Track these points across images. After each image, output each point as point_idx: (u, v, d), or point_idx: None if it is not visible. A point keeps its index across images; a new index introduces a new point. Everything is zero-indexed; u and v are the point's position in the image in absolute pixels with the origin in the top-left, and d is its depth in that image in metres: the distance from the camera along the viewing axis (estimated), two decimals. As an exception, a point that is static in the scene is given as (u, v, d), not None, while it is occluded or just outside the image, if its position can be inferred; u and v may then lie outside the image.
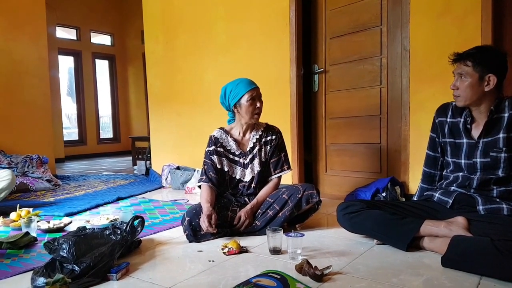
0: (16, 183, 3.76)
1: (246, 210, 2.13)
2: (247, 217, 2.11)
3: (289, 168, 2.31)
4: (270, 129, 2.32)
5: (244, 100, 2.16)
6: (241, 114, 2.21)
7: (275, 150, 2.28)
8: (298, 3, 3.19)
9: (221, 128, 2.34)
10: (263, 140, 2.29)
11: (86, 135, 8.66)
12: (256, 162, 2.26)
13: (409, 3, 2.65)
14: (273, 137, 2.29)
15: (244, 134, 2.31)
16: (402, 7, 2.70)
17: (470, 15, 2.41)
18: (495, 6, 2.34)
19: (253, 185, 2.27)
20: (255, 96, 2.17)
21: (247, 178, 2.27)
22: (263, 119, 2.33)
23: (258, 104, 2.18)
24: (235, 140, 2.29)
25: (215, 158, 2.24)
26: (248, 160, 2.27)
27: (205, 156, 2.27)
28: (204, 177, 2.21)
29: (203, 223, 2.00)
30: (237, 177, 2.27)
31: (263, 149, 2.28)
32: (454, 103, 1.88)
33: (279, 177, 2.29)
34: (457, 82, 1.78)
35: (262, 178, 2.28)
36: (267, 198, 2.21)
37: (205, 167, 2.25)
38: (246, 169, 2.27)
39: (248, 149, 2.28)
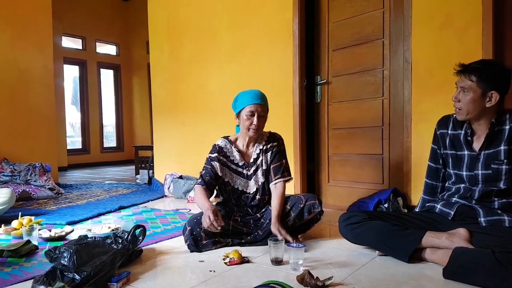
0: (19, 191, 3.79)
1: (276, 227, 2.06)
2: (280, 231, 2.05)
3: (289, 175, 2.26)
4: (272, 137, 2.31)
5: (244, 113, 2.15)
6: (241, 124, 2.23)
7: (276, 155, 2.26)
8: (301, 15, 3.23)
9: (226, 138, 2.33)
10: (265, 148, 2.28)
11: (90, 144, 8.69)
12: (259, 172, 2.26)
13: (410, 16, 2.68)
14: (275, 143, 2.28)
15: (247, 146, 2.29)
16: (404, 20, 2.73)
17: (472, 28, 2.43)
18: (496, 18, 2.36)
19: (257, 196, 2.26)
20: (255, 111, 2.13)
21: (252, 189, 2.26)
22: (266, 128, 2.33)
23: (255, 121, 2.13)
24: (239, 151, 2.29)
25: (216, 164, 2.23)
26: (251, 171, 2.27)
27: (206, 161, 2.26)
28: (200, 179, 2.20)
29: (207, 218, 1.93)
30: (240, 188, 2.27)
31: (264, 156, 2.27)
32: (455, 115, 1.89)
33: (283, 186, 2.22)
34: (459, 95, 1.78)
35: (266, 190, 2.27)
36: (269, 207, 2.21)
37: (203, 171, 2.23)
38: (250, 180, 2.26)
39: (252, 160, 2.28)
